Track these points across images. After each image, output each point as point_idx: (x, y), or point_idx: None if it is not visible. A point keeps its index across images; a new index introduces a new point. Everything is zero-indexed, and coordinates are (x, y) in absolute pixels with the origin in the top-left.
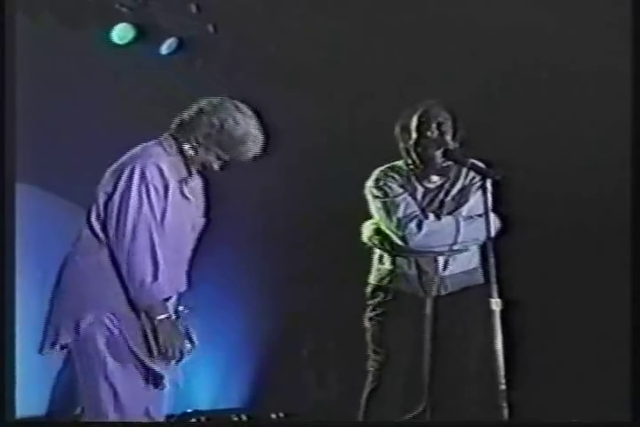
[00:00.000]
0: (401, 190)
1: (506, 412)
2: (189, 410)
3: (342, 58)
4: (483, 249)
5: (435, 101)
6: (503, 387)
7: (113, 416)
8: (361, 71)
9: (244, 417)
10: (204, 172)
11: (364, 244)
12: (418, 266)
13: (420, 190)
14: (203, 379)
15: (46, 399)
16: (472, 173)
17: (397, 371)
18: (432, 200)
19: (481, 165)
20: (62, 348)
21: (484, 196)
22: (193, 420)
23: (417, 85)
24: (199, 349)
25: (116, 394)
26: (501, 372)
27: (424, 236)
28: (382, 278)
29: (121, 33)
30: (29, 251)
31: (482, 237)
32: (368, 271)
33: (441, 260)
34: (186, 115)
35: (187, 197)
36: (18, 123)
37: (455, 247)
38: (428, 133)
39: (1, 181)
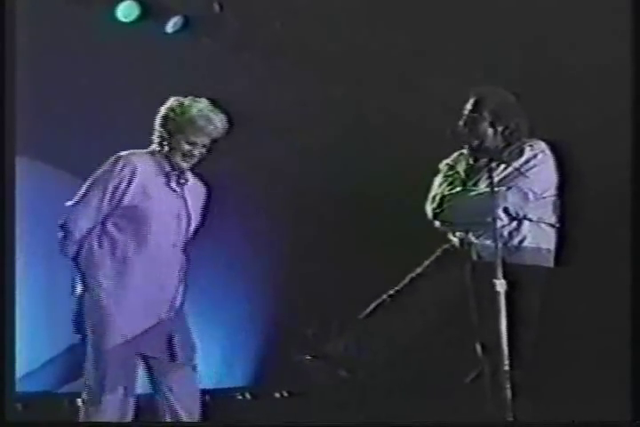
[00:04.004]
0: (445, 169)
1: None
2: None
3: (349, 35)
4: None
5: (485, 86)
6: (507, 368)
7: None
8: (367, 49)
9: (247, 396)
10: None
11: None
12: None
13: (466, 169)
14: (207, 358)
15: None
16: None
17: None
18: (477, 178)
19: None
20: None
21: (488, 174)
22: None
23: (419, 66)
24: (204, 328)
25: None
26: (505, 353)
27: (432, 210)
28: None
29: (126, 10)
30: (30, 224)
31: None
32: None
33: (474, 231)
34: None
35: (174, 190)
36: (22, 101)
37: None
38: (481, 118)
39: (1, 155)
